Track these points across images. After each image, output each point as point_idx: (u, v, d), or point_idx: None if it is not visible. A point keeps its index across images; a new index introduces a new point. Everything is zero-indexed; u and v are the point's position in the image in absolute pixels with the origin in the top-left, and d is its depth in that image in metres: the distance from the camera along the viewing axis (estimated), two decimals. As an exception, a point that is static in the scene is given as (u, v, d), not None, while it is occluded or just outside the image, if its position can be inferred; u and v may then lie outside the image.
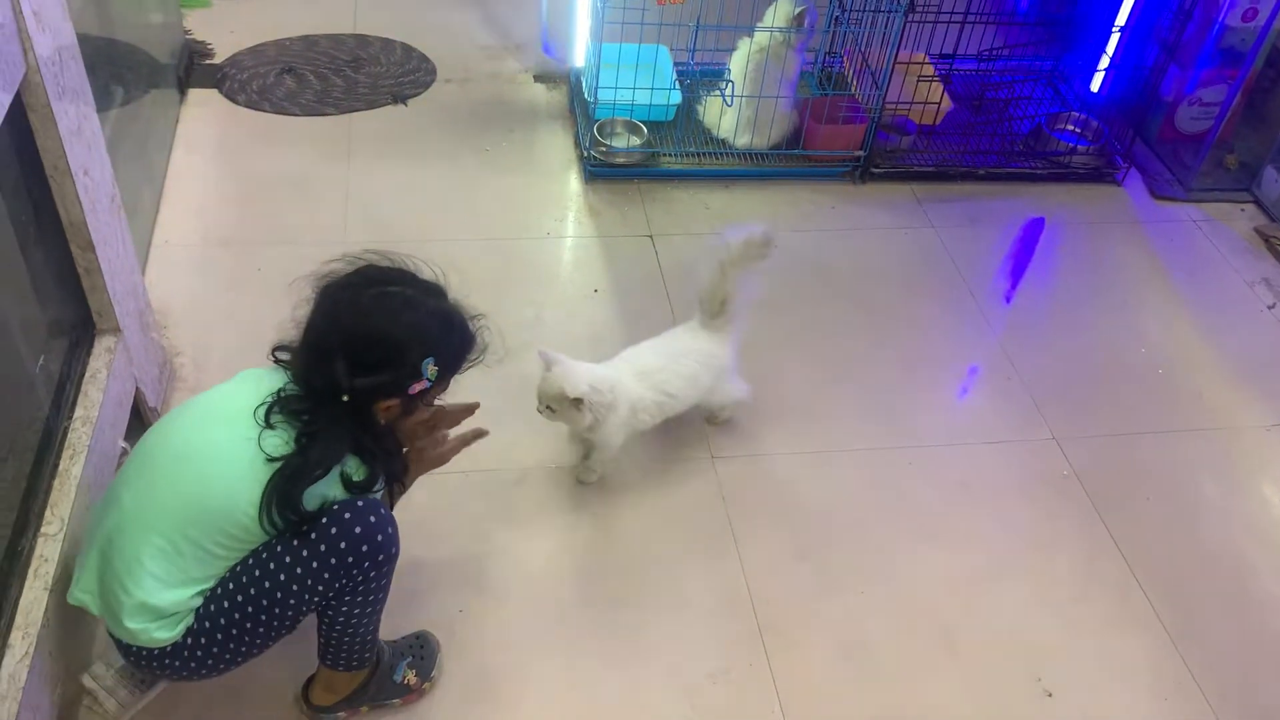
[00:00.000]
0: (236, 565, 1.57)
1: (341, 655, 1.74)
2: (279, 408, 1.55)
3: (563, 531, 2.20)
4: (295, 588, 1.56)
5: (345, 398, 1.55)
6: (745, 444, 2.43)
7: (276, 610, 1.57)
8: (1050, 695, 2.01)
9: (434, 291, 1.66)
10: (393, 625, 1.89)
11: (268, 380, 1.60)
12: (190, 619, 1.57)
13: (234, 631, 1.57)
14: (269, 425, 1.53)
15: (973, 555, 2.25)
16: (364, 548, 1.57)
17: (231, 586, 1.56)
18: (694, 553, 2.19)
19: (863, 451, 2.45)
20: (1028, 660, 2.07)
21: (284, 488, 1.51)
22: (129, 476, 1.60)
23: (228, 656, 1.61)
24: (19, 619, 1.59)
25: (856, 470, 2.41)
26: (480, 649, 1.97)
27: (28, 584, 1.63)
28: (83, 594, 1.62)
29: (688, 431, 2.40)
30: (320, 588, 1.57)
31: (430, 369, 1.59)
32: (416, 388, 1.59)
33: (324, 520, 1.56)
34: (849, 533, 2.27)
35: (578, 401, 2.04)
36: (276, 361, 1.64)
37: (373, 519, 1.58)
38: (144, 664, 1.62)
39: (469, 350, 1.69)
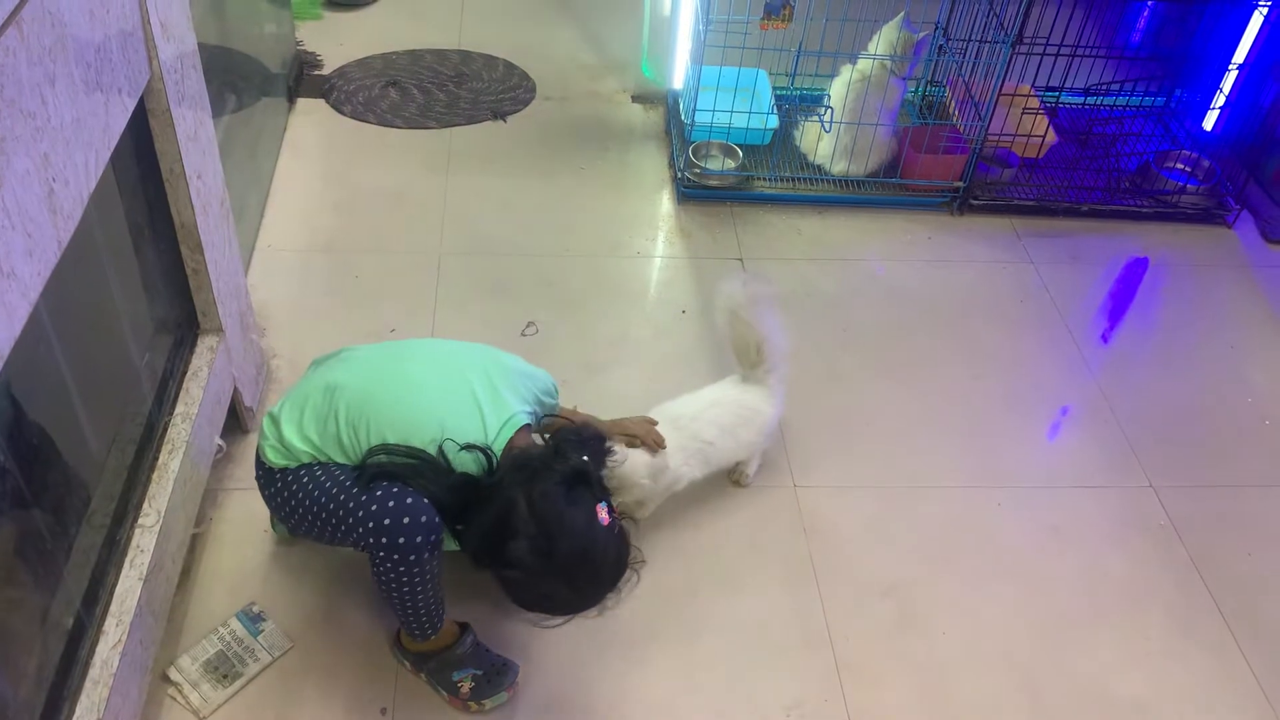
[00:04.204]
0: (334, 468, 1.73)
1: (396, 616, 1.82)
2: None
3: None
4: (340, 517, 1.68)
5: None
6: (829, 473, 2.40)
7: (332, 523, 1.70)
8: (1138, 754, 1.94)
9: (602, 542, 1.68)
10: (482, 631, 1.95)
11: (496, 404, 1.76)
12: (292, 462, 1.76)
13: (297, 507, 1.74)
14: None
15: (1061, 602, 2.18)
16: (384, 539, 1.63)
17: (319, 475, 1.73)
18: (773, 582, 2.16)
19: (952, 489, 2.40)
20: (1114, 715, 1.99)
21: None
22: (368, 357, 1.87)
23: (295, 518, 1.77)
24: (114, 606, 1.63)
25: (945, 507, 2.35)
26: (555, 667, 1.97)
27: (123, 573, 1.68)
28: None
29: (768, 456, 2.38)
30: (354, 537, 1.67)
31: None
32: None
33: (380, 492, 1.65)
34: (934, 572, 2.22)
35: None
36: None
37: (406, 520, 1.63)
38: (256, 471, 1.85)
39: (586, 602, 1.74)
